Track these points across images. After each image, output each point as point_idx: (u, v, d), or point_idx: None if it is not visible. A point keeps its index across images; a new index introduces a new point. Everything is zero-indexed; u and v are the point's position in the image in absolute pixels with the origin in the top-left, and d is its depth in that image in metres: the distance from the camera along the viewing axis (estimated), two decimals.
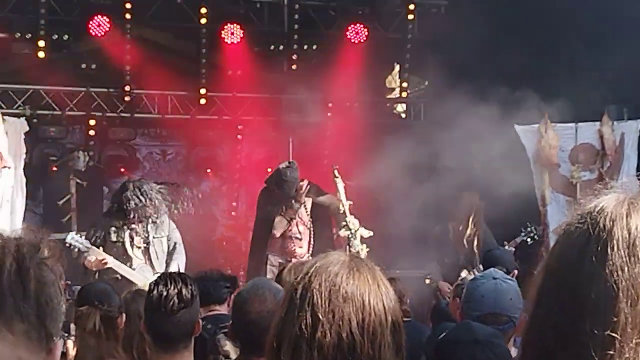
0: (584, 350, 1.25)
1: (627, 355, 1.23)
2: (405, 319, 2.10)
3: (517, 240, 8.93)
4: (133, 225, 7.30)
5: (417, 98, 11.86)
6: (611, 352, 1.23)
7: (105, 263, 7.04)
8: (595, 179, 8.72)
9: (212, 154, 11.92)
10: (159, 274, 4.57)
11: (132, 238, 7.30)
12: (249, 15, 10.90)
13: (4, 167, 8.23)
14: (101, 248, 7.13)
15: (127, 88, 10.35)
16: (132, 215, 7.25)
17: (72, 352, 4.39)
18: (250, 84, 10.59)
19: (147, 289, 3.59)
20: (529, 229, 8.98)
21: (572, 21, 8.52)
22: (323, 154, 10.75)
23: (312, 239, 8.30)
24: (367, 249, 7.56)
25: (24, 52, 10.20)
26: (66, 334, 4.45)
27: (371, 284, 1.85)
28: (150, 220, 7.34)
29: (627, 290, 1.25)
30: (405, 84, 11.53)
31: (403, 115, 11.86)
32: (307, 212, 8.30)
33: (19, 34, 10.12)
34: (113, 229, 7.30)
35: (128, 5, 10.10)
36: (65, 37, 10.25)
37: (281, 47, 11.08)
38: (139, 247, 7.34)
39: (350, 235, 7.63)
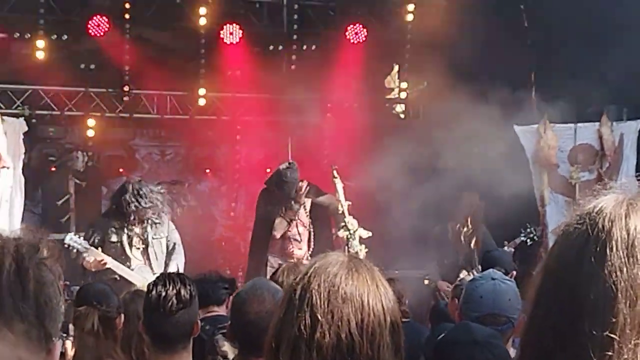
0: (582, 351, 1.25)
1: (625, 356, 1.23)
2: (404, 320, 2.10)
3: (517, 241, 8.93)
4: (132, 226, 7.28)
5: (416, 98, 11.85)
6: (610, 353, 1.23)
7: (104, 264, 7.02)
8: (594, 180, 8.71)
9: (211, 154, 11.93)
10: (157, 275, 4.56)
11: (131, 239, 7.28)
12: (248, 16, 10.89)
13: (3, 167, 8.23)
14: (100, 249, 7.10)
15: (126, 88, 10.33)
16: (131, 217, 7.24)
17: (70, 352, 4.39)
18: (249, 85, 10.57)
19: (145, 289, 3.59)
20: (528, 230, 8.98)
21: (572, 21, 8.52)
22: (322, 154, 10.74)
23: (311, 241, 8.30)
24: (366, 250, 7.56)
25: (23, 52, 10.19)
26: (65, 335, 4.45)
27: (370, 284, 1.85)
28: (149, 222, 7.33)
29: (626, 291, 1.25)
30: (404, 84, 11.52)
31: (402, 116, 11.85)
32: (306, 213, 8.30)
33: (18, 34, 10.11)
34: (112, 229, 7.27)
35: (127, 6, 10.10)
36: (65, 37, 10.23)
37: (280, 48, 11.08)
38: (138, 248, 7.31)
39: (349, 236, 7.62)
